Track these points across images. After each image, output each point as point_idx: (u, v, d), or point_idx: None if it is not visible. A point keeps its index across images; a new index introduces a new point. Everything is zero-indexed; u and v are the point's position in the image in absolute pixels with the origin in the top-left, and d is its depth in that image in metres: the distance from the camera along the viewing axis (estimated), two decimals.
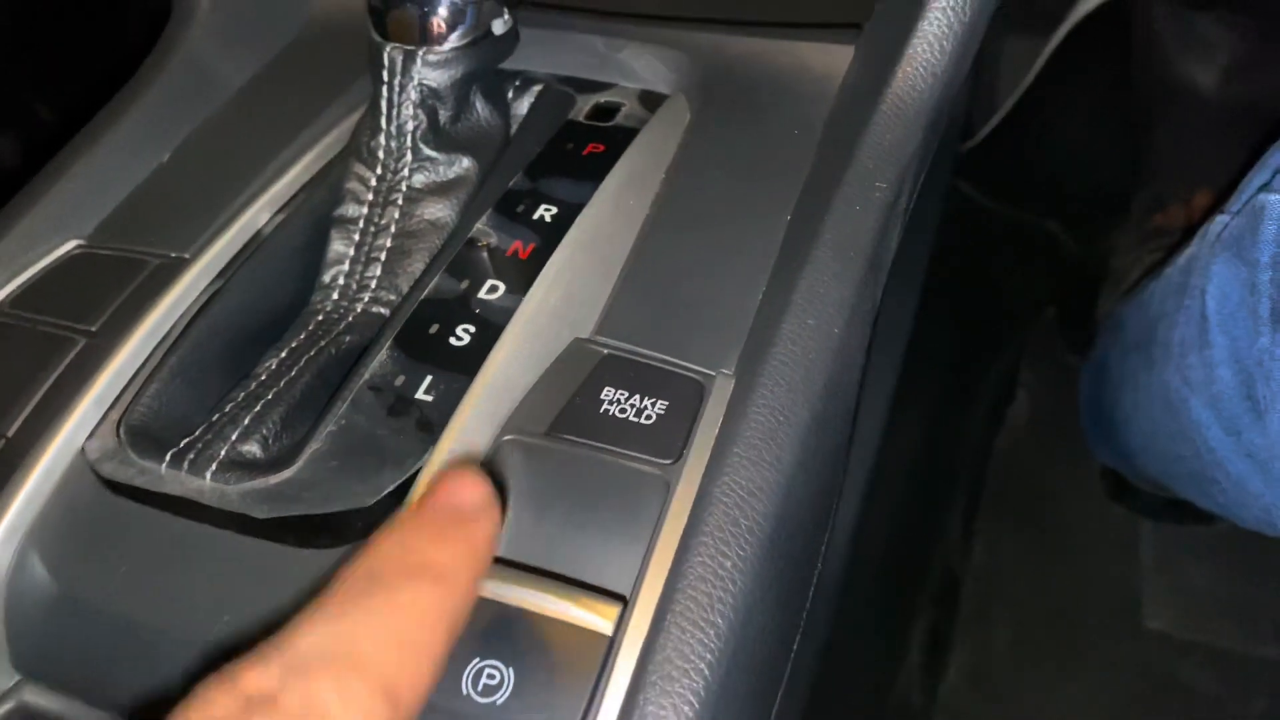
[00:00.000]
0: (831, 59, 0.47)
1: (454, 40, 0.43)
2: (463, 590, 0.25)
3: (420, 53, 0.42)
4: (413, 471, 0.34)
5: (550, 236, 0.41)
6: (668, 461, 0.34)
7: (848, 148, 0.42)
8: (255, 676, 0.22)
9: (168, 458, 0.35)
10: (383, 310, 0.42)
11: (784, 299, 0.37)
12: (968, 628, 0.93)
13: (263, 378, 0.38)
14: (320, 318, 0.41)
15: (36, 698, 0.35)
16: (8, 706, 0.35)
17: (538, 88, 0.49)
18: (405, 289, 0.42)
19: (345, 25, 0.53)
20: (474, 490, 0.27)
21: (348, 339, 0.40)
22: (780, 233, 0.41)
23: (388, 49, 0.42)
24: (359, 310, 0.41)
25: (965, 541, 0.98)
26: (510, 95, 0.49)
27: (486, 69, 0.45)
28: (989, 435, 1.06)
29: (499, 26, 0.45)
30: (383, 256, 0.42)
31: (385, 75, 0.43)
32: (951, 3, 0.42)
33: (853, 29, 0.47)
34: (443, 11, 0.42)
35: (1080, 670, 0.91)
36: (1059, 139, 1.11)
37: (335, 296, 0.42)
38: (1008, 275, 1.13)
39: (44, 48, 0.78)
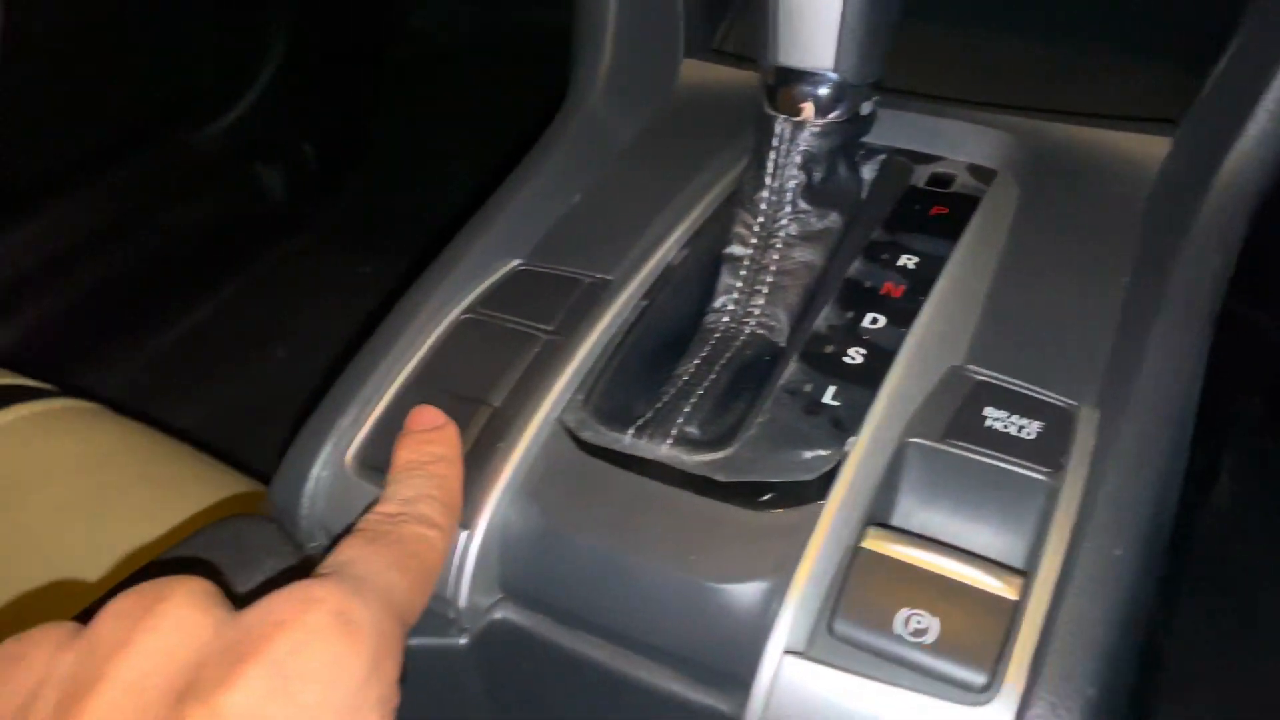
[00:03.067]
0: (1148, 148, 0.54)
1: (834, 116, 0.52)
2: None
3: (807, 125, 0.51)
4: (839, 457, 0.42)
5: (915, 280, 0.49)
6: (1050, 470, 0.41)
7: (1181, 225, 0.48)
8: (384, 507, 0.39)
9: (631, 430, 0.44)
10: (766, 333, 0.50)
11: (1139, 344, 0.44)
12: (1171, 698, 0.95)
13: (686, 378, 0.47)
14: (718, 334, 0.50)
15: (513, 614, 0.44)
16: (491, 618, 0.44)
17: (881, 157, 0.57)
18: (783, 316, 0.50)
19: (705, 94, 0.63)
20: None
21: (748, 353, 0.49)
22: (1120, 290, 0.48)
23: (779, 120, 0.51)
24: (748, 331, 0.50)
25: (1168, 615, 1.00)
26: (855, 155, 0.57)
27: (854, 141, 0.54)
28: (1191, 515, 1.09)
29: (867, 107, 0.53)
30: (765, 289, 0.51)
31: (774, 142, 0.52)
32: (1275, 106, 0.49)
33: (1167, 123, 0.54)
34: (828, 92, 0.51)
35: None
36: (1271, 233, 1.14)
37: (726, 319, 0.51)
38: (1214, 363, 1.16)
39: None
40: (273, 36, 1.52)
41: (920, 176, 0.57)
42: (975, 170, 0.57)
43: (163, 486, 0.69)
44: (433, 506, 0.40)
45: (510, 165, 1.55)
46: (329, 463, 0.47)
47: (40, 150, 1.30)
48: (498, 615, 0.44)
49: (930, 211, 0.54)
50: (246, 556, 0.41)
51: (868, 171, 0.57)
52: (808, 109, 0.51)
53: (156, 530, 0.64)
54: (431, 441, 0.43)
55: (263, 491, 0.71)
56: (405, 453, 0.42)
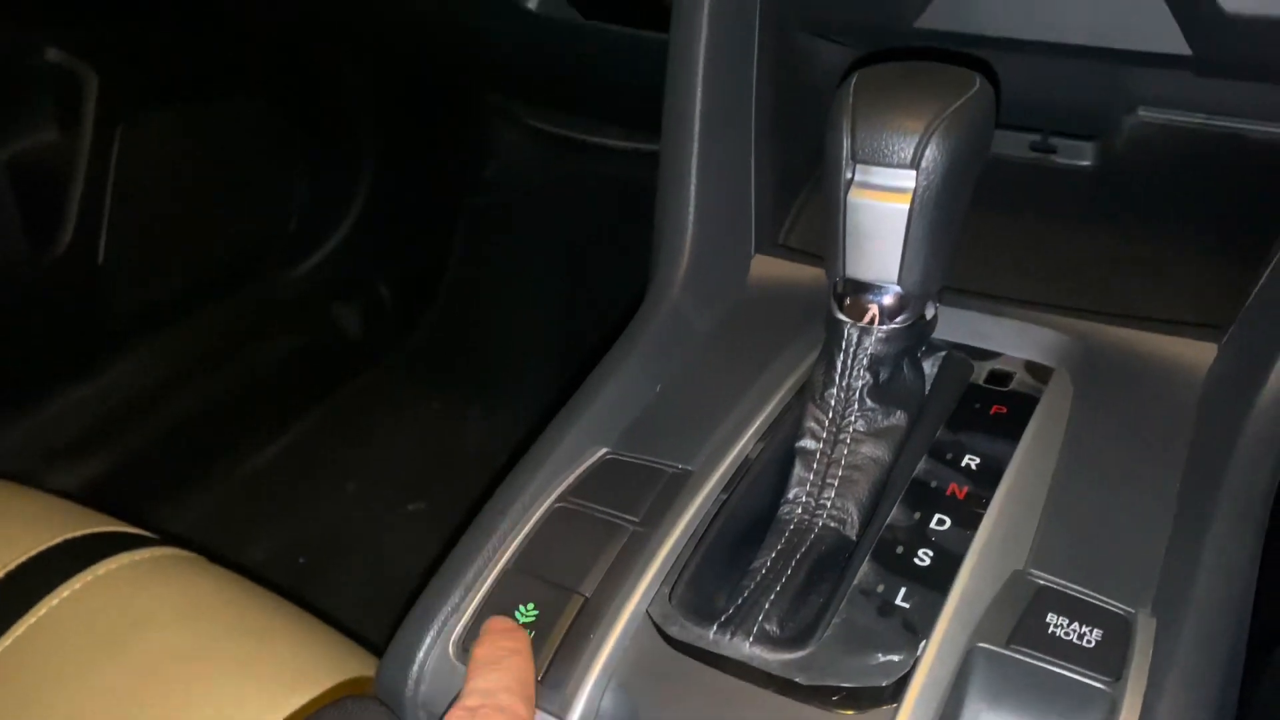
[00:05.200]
0: (1195, 352, 0.58)
1: (898, 322, 0.56)
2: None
3: (874, 330, 0.56)
4: (911, 665, 0.45)
5: (979, 482, 0.53)
6: (1110, 679, 0.43)
7: (1229, 434, 0.52)
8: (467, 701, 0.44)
9: (715, 627, 0.47)
10: (837, 525, 0.54)
11: (1192, 554, 0.47)
12: None
13: (763, 573, 0.51)
14: (792, 526, 0.54)
15: None
16: None
17: (942, 353, 0.62)
18: (853, 510, 0.54)
19: (774, 288, 0.68)
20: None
21: (822, 548, 0.52)
22: (1173, 496, 0.51)
23: (847, 326, 0.56)
24: (820, 524, 0.54)
25: None
26: (918, 354, 0.61)
27: (919, 344, 0.58)
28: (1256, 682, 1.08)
29: (930, 311, 0.58)
30: (835, 483, 0.55)
31: (843, 345, 0.56)
32: None
33: (1212, 329, 0.58)
34: (892, 301, 0.56)
35: None
36: None
37: (799, 511, 0.54)
38: None
39: None
40: (357, 186, 1.63)
41: (980, 373, 0.61)
42: (1032, 368, 0.60)
43: (257, 639, 0.73)
44: (510, 697, 0.45)
45: (576, 311, 1.60)
46: (433, 648, 0.50)
47: (137, 292, 1.40)
48: None
49: (990, 411, 0.57)
50: None
51: (929, 366, 0.62)
52: (873, 316, 0.56)
53: (252, 686, 0.68)
54: (506, 639, 0.48)
55: (351, 643, 0.75)
56: (482, 650, 0.48)
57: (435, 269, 1.71)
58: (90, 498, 0.92)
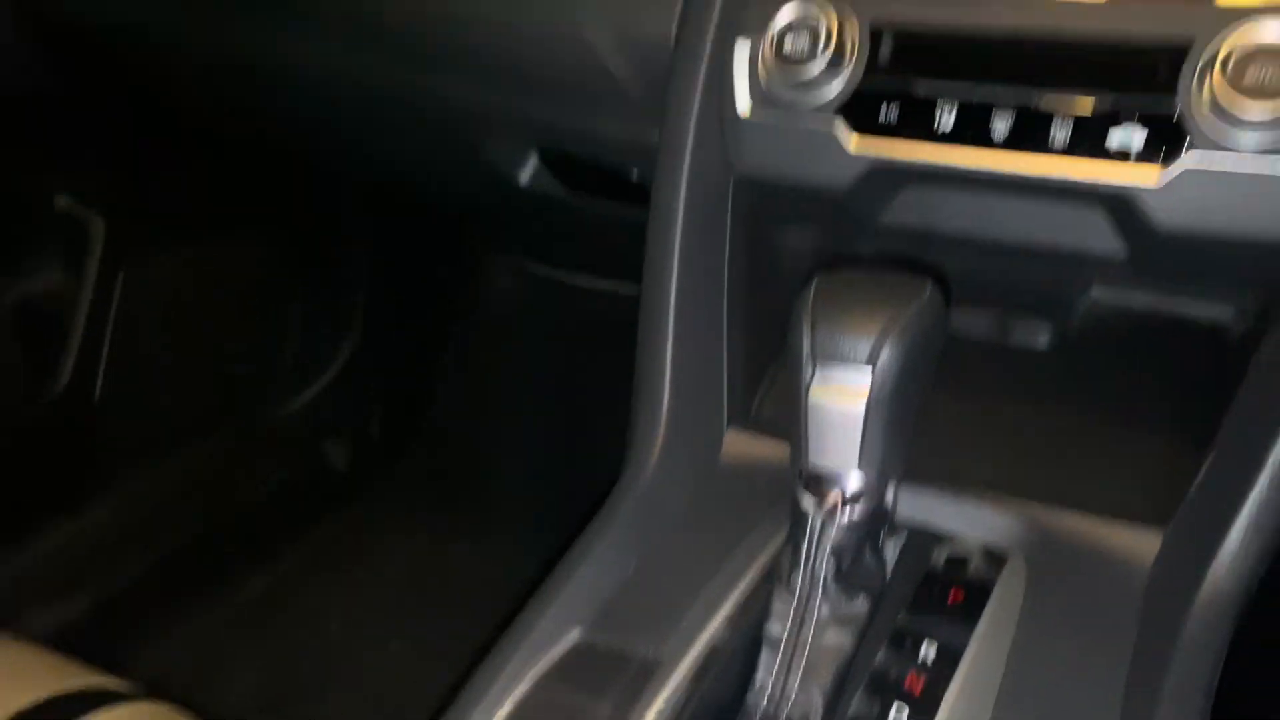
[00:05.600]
0: (1141, 542, 0.61)
1: (859, 509, 0.59)
2: None
3: (837, 518, 0.58)
4: None
5: (935, 673, 0.55)
6: None
7: (1172, 626, 0.54)
8: None
9: None
10: (802, 718, 0.55)
11: None
12: None
13: None
14: (758, 717, 0.55)
15: None
16: None
17: (903, 536, 0.64)
18: (817, 696, 0.56)
19: (745, 464, 0.71)
20: None
21: None
22: (1120, 685, 0.53)
23: (811, 515, 0.59)
24: (785, 714, 0.55)
25: None
26: (880, 538, 0.64)
27: (880, 528, 0.61)
28: None
29: (889, 496, 0.61)
30: (800, 670, 0.57)
31: (808, 533, 0.59)
32: (1256, 520, 0.55)
33: (1159, 515, 0.61)
34: (854, 489, 0.59)
35: None
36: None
37: (764, 701, 0.56)
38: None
39: None
40: (350, 323, 1.67)
41: (939, 557, 0.63)
42: (988, 554, 0.63)
43: None
44: None
45: (565, 447, 1.62)
46: None
47: (129, 429, 1.42)
48: None
49: (948, 599, 0.60)
50: None
51: (891, 548, 0.64)
52: (835, 503, 0.58)
53: None
54: None
55: None
56: None
57: (425, 405, 1.74)
58: (75, 634, 0.92)
